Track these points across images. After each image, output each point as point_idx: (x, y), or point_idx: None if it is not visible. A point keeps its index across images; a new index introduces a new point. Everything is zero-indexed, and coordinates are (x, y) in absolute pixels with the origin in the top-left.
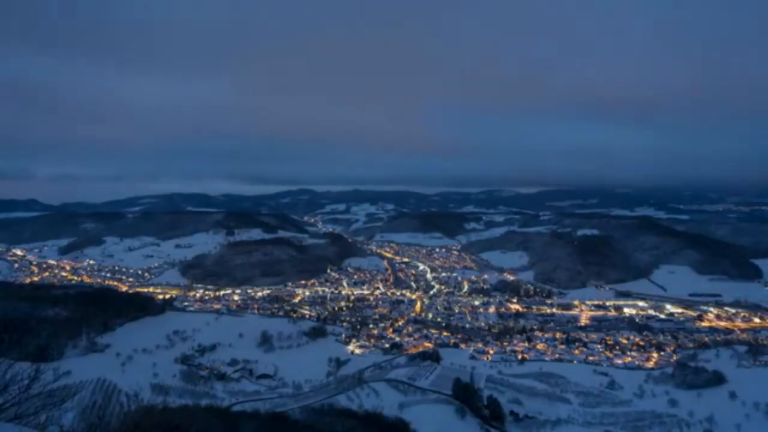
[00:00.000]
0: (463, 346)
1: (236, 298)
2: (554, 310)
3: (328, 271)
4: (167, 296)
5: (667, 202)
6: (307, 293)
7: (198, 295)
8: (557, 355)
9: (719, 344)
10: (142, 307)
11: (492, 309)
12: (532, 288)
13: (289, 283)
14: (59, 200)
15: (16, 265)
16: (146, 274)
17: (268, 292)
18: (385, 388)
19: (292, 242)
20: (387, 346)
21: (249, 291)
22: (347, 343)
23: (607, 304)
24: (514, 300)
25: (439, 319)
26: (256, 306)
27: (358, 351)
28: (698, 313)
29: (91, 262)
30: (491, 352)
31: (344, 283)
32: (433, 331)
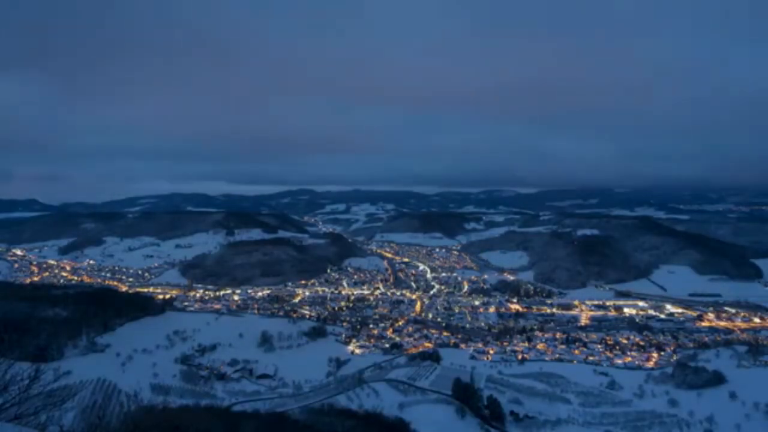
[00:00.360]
0: (463, 346)
1: (236, 298)
2: (554, 310)
3: (328, 271)
4: (167, 296)
5: (667, 202)
6: (307, 293)
7: (198, 295)
8: (557, 355)
9: (719, 344)
10: (142, 307)
11: (492, 309)
12: (532, 288)
13: (289, 283)
14: (59, 200)
15: (16, 265)
16: (146, 274)
17: (268, 292)
18: (385, 388)
19: (292, 242)
20: (387, 346)
21: (249, 291)
22: (347, 343)
23: (607, 304)
24: (514, 300)
25: (439, 319)
26: (256, 306)
27: (358, 351)
28: (698, 313)
29: (91, 262)
30: (491, 352)
31: (344, 283)
32: (433, 331)
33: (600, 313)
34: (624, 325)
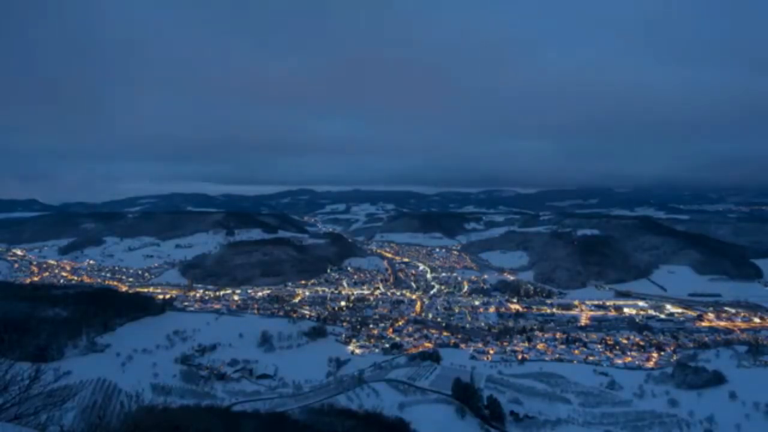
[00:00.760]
0: (463, 346)
1: (236, 298)
2: (554, 310)
3: (328, 271)
4: (167, 296)
5: (667, 202)
6: (307, 293)
7: (198, 295)
8: (557, 355)
9: (719, 344)
10: (142, 307)
11: (492, 309)
12: (532, 288)
13: (289, 283)
14: (59, 200)
15: (16, 265)
16: (146, 274)
17: (268, 292)
18: (385, 388)
19: (292, 242)
20: (387, 346)
21: (249, 291)
22: (347, 343)
23: (607, 304)
24: (514, 300)
25: (439, 319)
26: (256, 306)
27: (358, 351)
28: (698, 313)
29: (91, 262)
30: (491, 352)
31: (344, 283)
32: (433, 331)
33: (600, 313)
34: (624, 325)
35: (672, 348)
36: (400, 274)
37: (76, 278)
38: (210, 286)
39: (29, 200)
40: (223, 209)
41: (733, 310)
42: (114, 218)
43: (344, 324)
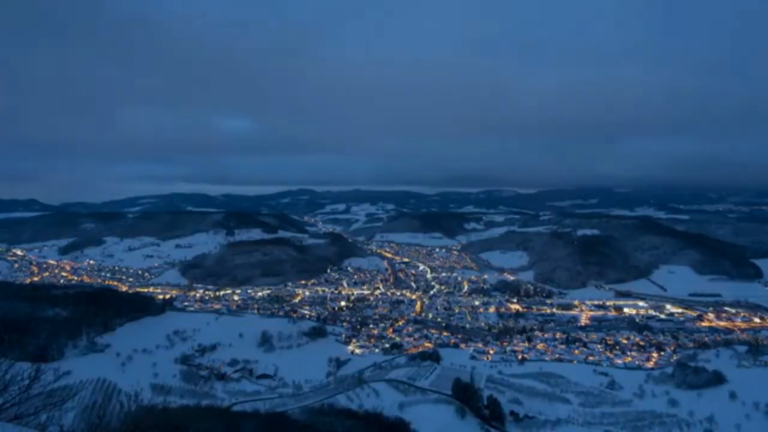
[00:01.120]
0: (463, 346)
1: (236, 298)
2: (554, 310)
3: (328, 271)
4: (167, 296)
5: (667, 202)
6: (307, 293)
7: (198, 295)
8: (557, 355)
9: (719, 344)
10: (142, 307)
11: (492, 309)
12: (532, 288)
13: (289, 283)
14: (59, 200)
15: (16, 265)
16: (146, 274)
17: (268, 292)
18: (385, 388)
19: (292, 242)
20: (387, 346)
21: (249, 291)
22: (347, 343)
23: (607, 304)
24: (514, 300)
25: (439, 319)
26: (256, 306)
27: (358, 351)
28: (698, 313)
29: (91, 262)
30: (491, 352)
31: (344, 283)
32: (433, 331)
33: (600, 313)
34: (624, 325)
35: (672, 348)
36: (400, 274)
37: (76, 278)
38: (210, 286)
39: (29, 200)
40: (223, 209)
41: (733, 310)
42: (114, 218)
43: (344, 324)
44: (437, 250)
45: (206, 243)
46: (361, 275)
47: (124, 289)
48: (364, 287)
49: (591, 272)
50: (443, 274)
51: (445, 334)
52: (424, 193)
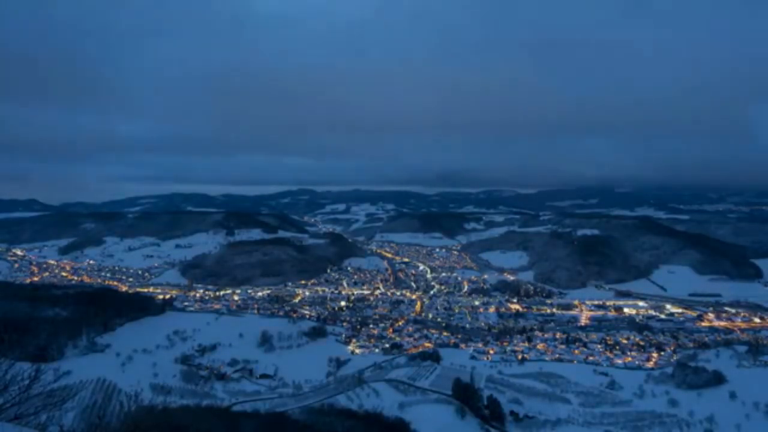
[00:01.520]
0: (463, 346)
1: (236, 298)
2: (554, 310)
3: (328, 271)
4: (167, 296)
5: (667, 202)
6: (307, 293)
7: (198, 295)
8: (557, 355)
9: (719, 344)
10: (142, 307)
11: (492, 309)
12: (532, 288)
13: (289, 283)
14: (59, 200)
15: (16, 265)
16: (146, 274)
17: (268, 292)
18: (385, 388)
19: (292, 242)
20: (387, 346)
21: (249, 291)
22: (347, 343)
23: (607, 304)
24: (514, 300)
25: (439, 319)
26: (256, 306)
27: (358, 351)
28: (698, 313)
29: (91, 262)
30: (491, 352)
31: (344, 283)
32: (433, 331)
33: (600, 313)
34: (624, 325)
35: (672, 348)
36: (400, 274)
37: (76, 278)
38: (210, 286)
39: (29, 200)
40: (223, 209)
41: (733, 310)
42: (114, 218)
43: (344, 324)
44: (437, 250)
45: (206, 243)
46: (361, 275)
47: (124, 289)
48: (364, 287)
49: (591, 272)
50: (443, 274)
51: (445, 334)
52: (424, 193)
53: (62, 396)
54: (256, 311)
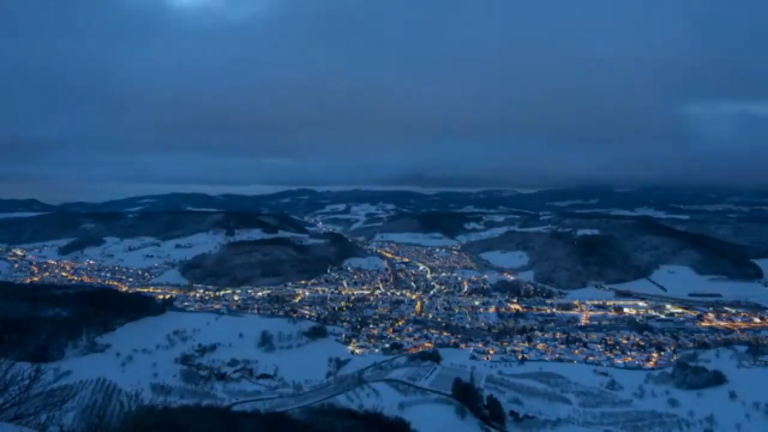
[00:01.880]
0: (463, 346)
1: (236, 298)
2: (554, 310)
3: (328, 271)
4: (167, 296)
5: (667, 202)
6: (307, 293)
7: (198, 295)
8: (557, 355)
9: (719, 344)
10: (142, 307)
11: (492, 309)
12: (532, 288)
13: (289, 283)
14: (59, 200)
15: (16, 265)
16: (146, 274)
17: (268, 292)
18: (385, 388)
19: (292, 242)
20: (387, 346)
21: (249, 291)
22: (347, 343)
23: (607, 304)
24: (514, 300)
25: (439, 319)
26: (256, 306)
27: (358, 351)
28: (698, 313)
29: (91, 262)
30: (491, 352)
31: (344, 283)
32: (433, 331)
33: (600, 313)
34: (624, 325)
35: (672, 348)
36: (400, 274)
37: (76, 278)
38: (210, 286)
39: (29, 200)
40: (223, 209)
41: (733, 310)
42: (114, 218)
43: (344, 324)
44: (437, 250)
45: (206, 243)
46: (361, 275)
47: (124, 289)
48: (364, 287)
49: (591, 272)
50: (443, 274)
51: (445, 334)
52: (424, 193)
53: (62, 396)
54: (256, 311)
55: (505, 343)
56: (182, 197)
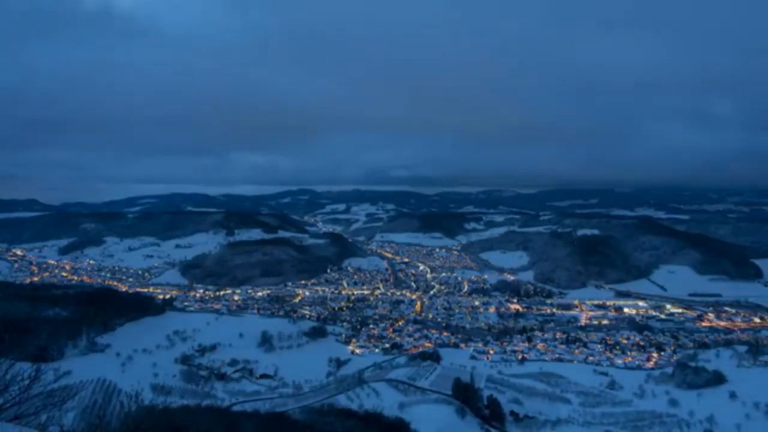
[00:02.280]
0: (463, 346)
1: (236, 298)
2: (554, 310)
3: (328, 271)
4: (167, 296)
5: (667, 202)
6: (307, 293)
7: (198, 295)
8: (557, 355)
9: (719, 344)
10: (142, 307)
11: (492, 309)
12: (532, 288)
13: (289, 283)
14: (59, 200)
15: (16, 265)
16: (146, 274)
17: (268, 292)
18: (386, 388)
19: (292, 242)
20: (387, 346)
21: (249, 291)
22: (347, 343)
23: (607, 304)
24: (514, 300)
25: (439, 319)
26: (256, 306)
27: (358, 351)
28: (698, 313)
29: (91, 262)
30: (491, 352)
31: (344, 283)
32: (433, 331)
33: (600, 313)
34: (624, 325)
35: (672, 348)
36: (400, 274)
37: (76, 278)
38: (210, 286)
39: (29, 200)
40: (223, 209)
41: (733, 310)
42: (114, 218)
43: (344, 324)
44: (437, 250)
45: (206, 243)
46: (361, 275)
47: (124, 289)
48: (364, 287)
49: (591, 272)
50: (443, 274)
51: (445, 334)
52: (424, 193)
53: (62, 396)
54: (256, 311)
55: (505, 343)
56: (182, 197)
